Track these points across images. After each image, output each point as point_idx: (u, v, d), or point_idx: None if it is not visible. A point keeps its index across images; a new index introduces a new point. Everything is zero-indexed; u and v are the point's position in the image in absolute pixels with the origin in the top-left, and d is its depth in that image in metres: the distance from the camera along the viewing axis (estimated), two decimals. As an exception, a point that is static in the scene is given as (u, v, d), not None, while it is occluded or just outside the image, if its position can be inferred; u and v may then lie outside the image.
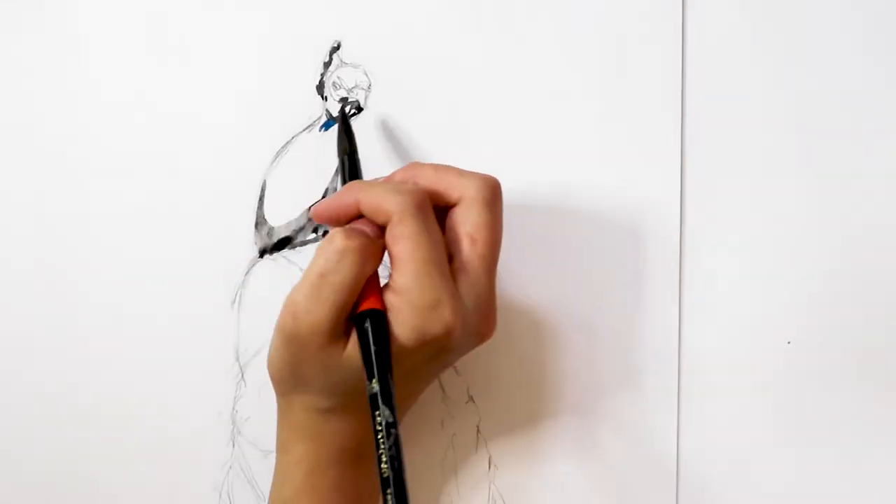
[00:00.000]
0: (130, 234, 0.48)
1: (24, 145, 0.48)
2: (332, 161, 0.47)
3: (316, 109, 0.47)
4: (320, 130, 0.47)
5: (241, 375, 0.48)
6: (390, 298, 0.38)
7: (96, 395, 0.48)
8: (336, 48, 0.47)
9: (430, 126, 0.47)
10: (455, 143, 0.47)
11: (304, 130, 0.47)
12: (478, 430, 0.48)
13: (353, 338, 0.38)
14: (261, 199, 0.48)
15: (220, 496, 0.48)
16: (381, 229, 0.39)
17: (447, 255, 0.39)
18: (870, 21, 0.48)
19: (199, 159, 0.48)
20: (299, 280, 0.38)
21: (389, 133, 0.47)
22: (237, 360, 0.47)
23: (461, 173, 0.40)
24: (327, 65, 0.47)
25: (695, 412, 0.48)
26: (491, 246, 0.40)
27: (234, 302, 0.47)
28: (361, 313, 0.38)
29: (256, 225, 0.48)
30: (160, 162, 0.48)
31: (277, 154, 0.47)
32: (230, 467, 0.48)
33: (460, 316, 0.38)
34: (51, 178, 0.48)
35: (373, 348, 0.37)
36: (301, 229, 0.48)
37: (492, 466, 0.48)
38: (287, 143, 0.47)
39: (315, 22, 0.47)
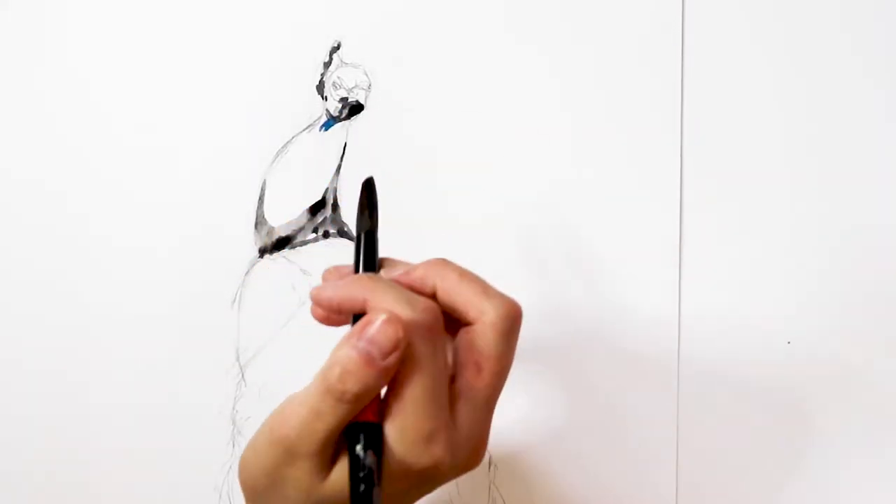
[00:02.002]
0: (130, 234, 0.48)
1: (24, 146, 0.48)
2: (332, 161, 0.47)
3: (316, 109, 0.48)
4: (320, 130, 0.48)
5: (241, 375, 0.48)
6: (383, 422, 0.34)
7: (96, 395, 0.48)
8: (336, 48, 0.47)
9: (430, 126, 0.48)
10: (454, 143, 0.47)
11: (304, 130, 0.48)
12: (478, 430, 0.48)
13: (339, 465, 0.35)
14: (261, 199, 0.48)
15: (220, 496, 0.48)
16: None
17: (449, 379, 0.36)
18: (870, 22, 0.48)
19: (200, 159, 0.48)
20: (305, 387, 0.34)
21: (389, 135, 0.48)
22: (237, 359, 0.47)
23: (485, 291, 0.36)
24: (327, 65, 0.47)
25: (695, 412, 0.48)
26: (497, 377, 0.36)
27: (234, 302, 0.47)
28: (351, 426, 0.34)
29: (256, 225, 0.48)
30: (160, 162, 0.48)
31: (277, 154, 0.48)
32: (230, 468, 0.48)
33: (452, 449, 0.35)
34: (51, 179, 0.48)
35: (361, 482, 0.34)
36: (301, 229, 0.48)
37: (492, 466, 0.48)
38: (287, 143, 0.48)
39: (315, 22, 0.48)
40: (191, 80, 0.48)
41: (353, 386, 0.33)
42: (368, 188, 0.40)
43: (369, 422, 0.34)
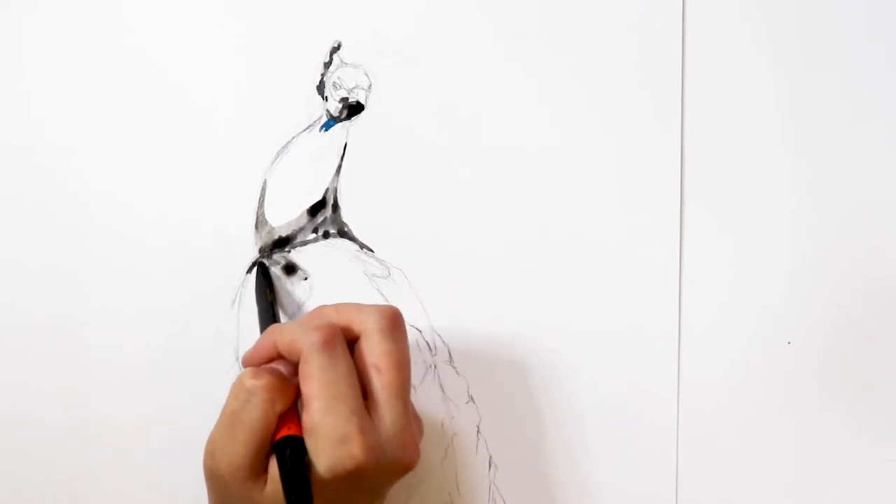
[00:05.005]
0: (130, 234, 0.48)
1: (24, 147, 0.48)
2: (332, 161, 0.47)
3: (316, 109, 0.48)
4: (320, 130, 0.48)
5: (241, 375, 0.48)
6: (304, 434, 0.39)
7: (96, 395, 0.48)
8: (336, 48, 0.47)
9: (430, 126, 0.48)
10: (454, 143, 0.47)
11: (304, 130, 0.48)
12: (478, 431, 0.48)
13: (271, 475, 0.39)
14: (261, 199, 0.48)
15: (220, 496, 0.48)
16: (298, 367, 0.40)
17: (360, 390, 0.40)
18: (870, 22, 0.48)
19: (200, 159, 0.48)
20: (217, 420, 0.40)
21: (389, 135, 0.48)
22: (237, 360, 0.47)
23: (359, 308, 0.41)
24: (328, 65, 0.48)
25: (695, 412, 0.48)
26: (396, 372, 0.40)
27: (233, 302, 0.47)
28: (279, 441, 0.39)
29: (256, 225, 0.48)
30: (160, 162, 0.48)
31: (277, 154, 0.48)
32: (230, 468, 0.48)
33: (371, 450, 0.38)
34: (52, 180, 0.48)
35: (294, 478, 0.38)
36: (301, 229, 0.48)
37: (492, 466, 0.48)
38: (287, 143, 0.48)
39: (315, 22, 0.48)
40: (190, 80, 0.48)
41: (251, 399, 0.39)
42: (264, 271, 0.47)
43: (292, 435, 0.39)
